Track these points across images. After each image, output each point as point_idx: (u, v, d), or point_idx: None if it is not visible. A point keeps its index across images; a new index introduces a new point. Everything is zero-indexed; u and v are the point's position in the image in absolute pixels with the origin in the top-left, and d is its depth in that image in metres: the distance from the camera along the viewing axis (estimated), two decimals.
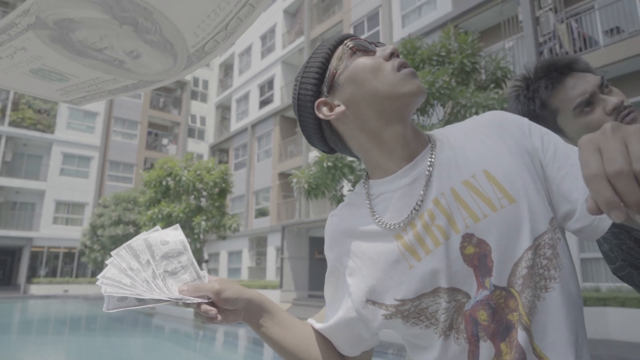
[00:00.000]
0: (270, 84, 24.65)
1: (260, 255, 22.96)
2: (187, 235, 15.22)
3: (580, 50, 11.44)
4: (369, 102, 0.78)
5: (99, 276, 0.72)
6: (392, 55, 0.80)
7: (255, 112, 25.35)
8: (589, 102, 1.01)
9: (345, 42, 0.83)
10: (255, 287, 19.12)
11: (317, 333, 0.90)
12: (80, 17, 0.42)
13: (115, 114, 30.76)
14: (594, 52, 10.77)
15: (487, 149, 0.78)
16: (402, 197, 0.78)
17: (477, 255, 0.71)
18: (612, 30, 11.42)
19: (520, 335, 0.67)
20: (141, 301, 0.72)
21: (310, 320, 0.92)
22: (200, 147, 33.02)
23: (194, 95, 34.36)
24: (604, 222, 0.70)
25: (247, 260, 23.12)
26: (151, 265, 0.77)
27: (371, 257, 0.79)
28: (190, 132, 33.57)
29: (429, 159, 0.79)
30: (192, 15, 0.44)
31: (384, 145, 0.80)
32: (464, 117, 7.18)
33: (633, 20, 10.96)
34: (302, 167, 11.73)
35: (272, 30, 25.12)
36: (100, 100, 0.58)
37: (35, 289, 25.75)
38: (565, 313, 0.69)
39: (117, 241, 22.19)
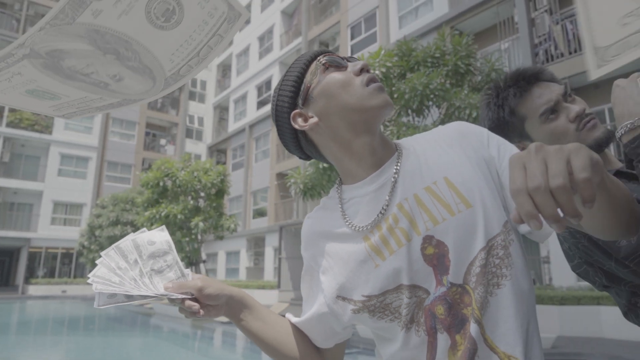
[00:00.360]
0: (268, 84, 24.70)
1: (258, 255, 23.01)
2: (185, 236, 15.26)
3: (575, 51, 11.50)
4: (340, 114, 0.85)
5: (89, 275, 0.79)
6: (362, 70, 0.86)
7: (252, 113, 25.39)
8: (554, 110, 1.08)
9: (319, 58, 0.89)
10: (253, 287, 19.17)
11: (295, 327, 0.96)
12: (69, 48, 0.48)
13: (113, 114, 30.68)
14: None
15: (448, 157, 0.85)
16: (370, 202, 0.85)
17: (436, 255, 0.78)
18: None
19: (473, 328, 0.74)
20: (129, 297, 0.79)
21: (288, 315, 0.98)
22: (198, 148, 33.06)
23: (191, 95, 34.38)
24: (548, 227, 0.76)
25: (245, 261, 23.17)
26: (139, 264, 0.83)
27: (342, 257, 0.85)
28: (188, 133, 33.61)
29: (395, 167, 0.85)
30: (167, 45, 0.51)
31: (354, 154, 0.87)
32: (458, 118, 7.25)
33: None
34: (299, 167, 11.80)
35: (269, 31, 25.16)
36: (89, 115, 0.65)
37: (33, 290, 25.75)
38: (515, 307, 0.76)
39: (115, 241, 22.10)
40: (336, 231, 0.87)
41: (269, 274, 21.13)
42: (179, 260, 0.87)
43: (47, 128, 28.07)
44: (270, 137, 23.61)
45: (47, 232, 27.25)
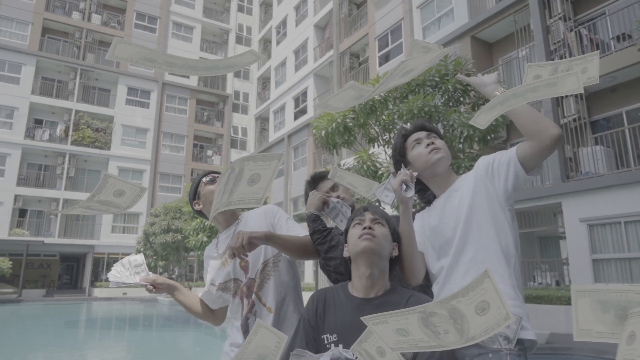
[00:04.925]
0: (304, 95, 25.79)
1: None
2: None
3: None
4: (210, 205, 1.92)
5: (108, 274, 1.91)
6: None
7: (290, 123, 26.61)
8: (332, 189, 2.07)
9: (203, 179, 1.97)
10: None
11: (200, 299, 2.04)
12: (91, 204, 1.58)
13: (164, 129, 33.07)
14: (605, 58, 11.12)
15: (257, 222, 1.90)
16: (224, 242, 1.93)
17: (245, 265, 1.84)
18: (618, 36, 11.74)
19: (254, 296, 1.80)
20: (125, 283, 1.90)
21: (199, 293, 2.06)
22: None
23: (235, 108, 36.26)
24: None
25: None
26: (129, 269, 1.95)
27: (213, 266, 1.94)
28: (233, 143, 35.47)
29: (235, 227, 1.92)
30: (120, 202, 1.60)
31: (218, 221, 1.96)
32: (452, 136, 8.03)
33: None
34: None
35: (304, 44, 26.31)
36: (96, 214, 1.75)
37: (98, 292, 28.14)
38: (274, 288, 1.80)
39: (167, 247, 23.96)
40: (212, 254, 1.96)
41: (308, 276, 22.24)
42: (146, 267, 1.98)
43: (106, 144, 30.68)
44: (307, 146, 24.74)
45: (109, 239, 29.80)
